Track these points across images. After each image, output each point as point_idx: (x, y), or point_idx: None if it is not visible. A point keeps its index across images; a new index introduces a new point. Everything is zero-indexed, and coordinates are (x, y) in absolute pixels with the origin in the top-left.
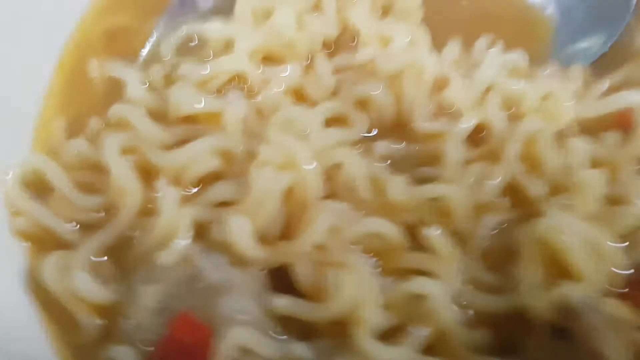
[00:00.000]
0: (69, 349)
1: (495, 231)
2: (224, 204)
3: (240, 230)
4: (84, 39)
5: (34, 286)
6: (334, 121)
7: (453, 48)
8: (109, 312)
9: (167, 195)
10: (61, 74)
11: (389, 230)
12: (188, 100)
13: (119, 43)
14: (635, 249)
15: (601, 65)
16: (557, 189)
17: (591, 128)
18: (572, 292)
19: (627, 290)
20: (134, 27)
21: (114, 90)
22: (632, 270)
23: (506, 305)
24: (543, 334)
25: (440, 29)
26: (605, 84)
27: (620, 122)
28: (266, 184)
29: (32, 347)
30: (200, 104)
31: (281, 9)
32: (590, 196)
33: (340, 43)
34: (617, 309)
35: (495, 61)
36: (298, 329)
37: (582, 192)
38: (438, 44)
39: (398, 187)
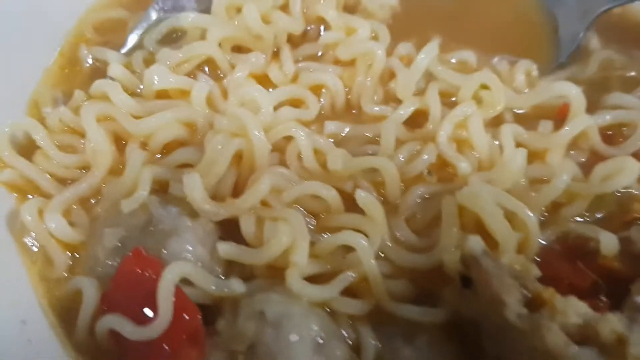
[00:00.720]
0: (42, 281)
1: (420, 200)
2: (185, 166)
3: (192, 186)
4: (81, 31)
5: (16, 230)
6: (294, 102)
7: (431, 46)
8: (77, 250)
9: (133, 155)
10: (59, 59)
11: (326, 192)
12: (160, 77)
13: (109, 34)
14: (554, 223)
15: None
16: (483, 167)
17: (532, 117)
18: (474, 244)
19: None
20: (123, 20)
21: (100, 72)
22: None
23: (425, 261)
24: (454, 284)
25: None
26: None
27: (559, 114)
28: (217, 147)
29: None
30: (170, 81)
31: (249, 6)
32: (510, 171)
33: (306, 37)
34: (516, 259)
35: (429, 54)
36: (239, 272)
37: (503, 168)
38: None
39: (337, 158)
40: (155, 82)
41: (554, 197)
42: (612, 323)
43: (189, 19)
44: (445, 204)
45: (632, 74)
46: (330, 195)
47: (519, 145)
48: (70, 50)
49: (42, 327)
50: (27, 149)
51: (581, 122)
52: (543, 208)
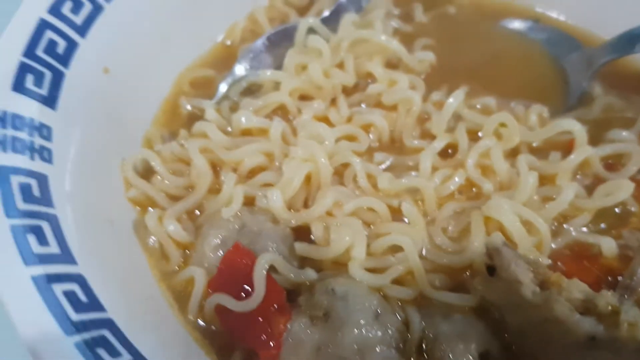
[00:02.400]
0: (160, 273)
1: (452, 213)
2: (266, 186)
3: (274, 200)
4: (179, 85)
5: (140, 233)
6: (349, 138)
7: (458, 92)
8: (188, 248)
9: (228, 177)
10: (165, 106)
11: (377, 205)
12: (247, 118)
13: (201, 89)
14: (563, 232)
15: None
16: (503, 188)
17: (544, 150)
18: (495, 237)
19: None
20: (211, 78)
21: (196, 117)
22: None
23: (458, 260)
24: (481, 274)
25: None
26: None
27: (568, 147)
28: (292, 170)
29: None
30: (254, 121)
31: (313, 65)
32: (525, 189)
33: (358, 88)
34: (530, 252)
35: (457, 98)
36: (311, 265)
37: (519, 187)
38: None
39: (384, 179)
40: (243, 121)
41: (561, 209)
42: (607, 297)
43: (267, 74)
44: (474, 215)
45: (630, 115)
46: (381, 208)
47: (532, 170)
48: (171, 101)
49: (162, 303)
50: (144, 174)
51: (583, 152)
52: (553, 219)
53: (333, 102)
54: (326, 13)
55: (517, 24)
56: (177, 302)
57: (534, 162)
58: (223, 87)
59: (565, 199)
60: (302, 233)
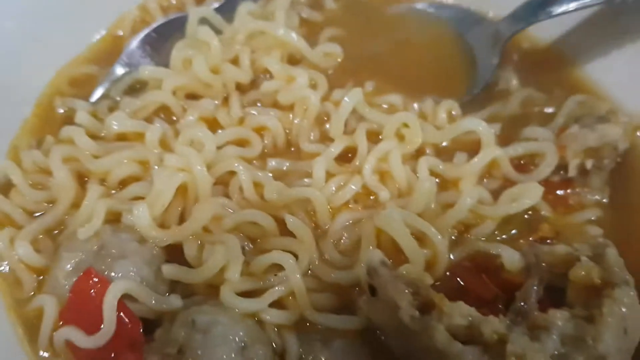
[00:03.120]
0: (13, 302)
1: (347, 224)
2: (138, 199)
3: (140, 215)
4: (57, 84)
5: None
6: (241, 142)
7: (355, 91)
8: (44, 273)
9: (91, 189)
10: (36, 109)
11: (262, 219)
12: (119, 122)
13: (81, 87)
14: (464, 242)
15: (473, 103)
16: (402, 195)
17: (452, 150)
18: (372, 256)
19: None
20: (93, 75)
21: (72, 120)
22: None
23: (346, 277)
24: (366, 293)
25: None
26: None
27: (476, 147)
28: (163, 181)
29: None
30: (127, 125)
31: (197, 59)
32: (420, 196)
33: (255, 85)
34: (411, 270)
35: (353, 98)
36: (182, 290)
37: (414, 195)
38: None
39: (272, 189)
40: (114, 126)
41: (459, 217)
42: (493, 324)
43: (147, 71)
44: (364, 227)
45: (551, 110)
46: (266, 222)
47: (435, 175)
48: (45, 102)
49: (10, 336)
50: (5, 187)
51: (489, 153)
52: (453, 229)
53: (225, 101)
54: (222, 1)
55: (425, 5)
56: (28, 334)
57: (437, 166)
58: (101, 88)
59: (463, 207)
60: (174, 252)
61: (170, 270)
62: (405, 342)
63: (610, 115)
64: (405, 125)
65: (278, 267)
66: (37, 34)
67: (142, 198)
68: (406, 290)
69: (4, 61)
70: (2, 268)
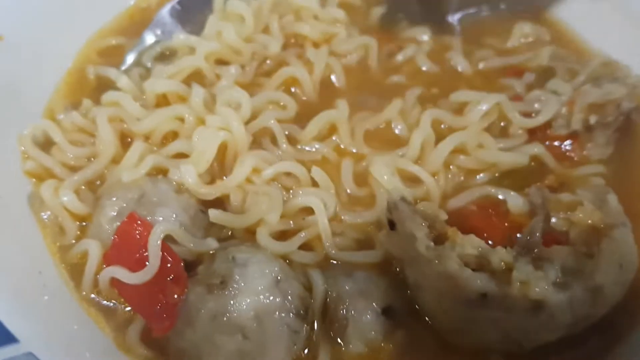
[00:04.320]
0: (55, 246)
1: None
2: (179, 156)
3: (187, 174)
4: (86, 54)
5: (35, 207)
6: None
7: None
8: (86, 220)
9: (135, 145)
10: (68, 77)
11: (296, 169)
12: (160, 84)
13: (110, 57)
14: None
15: None
16: None
17: None
18: (394, 192)
19: None
20: (121, 46)
21: (102, 87)
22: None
23: (367, 218)
24: (385, 229)
25: None
26: None
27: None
28: (206, 140)
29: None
30: (170, 85)
31: (228, 29)
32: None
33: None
34: (428, 206)
35: None
36: (217, 235)
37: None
38: None
39: (306, 137)
40: (156, 87)
41: (445, 153)
42: (501, 254)
43: (181, 36)
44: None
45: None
46: (300, 172)
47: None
48: (76, 71)
49: (55, 277)
50: (45, 145)
51: (494, 98)
52: (459, 171)
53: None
54: None
55: None
56: (73, 277)
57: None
58: (131, 56)
59: (450, 141)
60: (209, 202)
61: (217, 215)
62: (419, 270)
63: (624, 77)
64: None
65: (308, 211)
66: (65, 5)
67: (184, 155)
68: (422, 224)
69: (33, 32)
70: (45, 216)
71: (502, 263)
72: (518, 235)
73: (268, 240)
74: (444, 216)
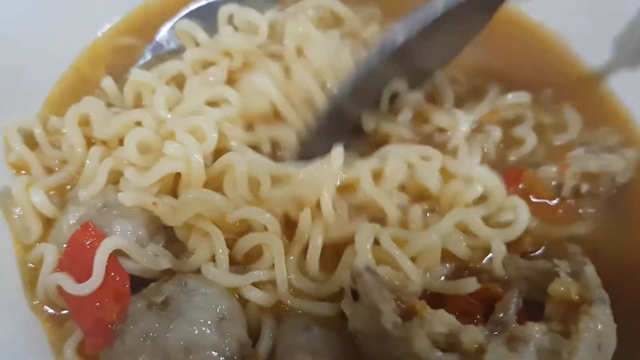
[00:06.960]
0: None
1: None
2: None
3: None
4: (96, 52)
5: (6, 200)
6: None
7: None
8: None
9: (93, 151)
10: (70, 74)
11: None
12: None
13: (121, 57)
14: None
15: None
16: None
17: None
18: (358, 261)
19: None
20: (134, 46)
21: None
22: None
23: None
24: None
25: None
26: None
27: None
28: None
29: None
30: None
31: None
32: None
33: None
34: (395, 276)
35: None
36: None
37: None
38: None
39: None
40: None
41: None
42: (473, 333)
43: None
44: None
45: None
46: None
47: None
48: (76, 70)
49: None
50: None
51: None
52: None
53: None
54: None
55: None
56: (29, 280)
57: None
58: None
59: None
60: None
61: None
62: (383, 348)
63: (619, 147)
64: None
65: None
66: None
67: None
68: (389, 297)
69: (38, 27)
70: (16, 215)
71: (475, 343)
72: (495, 306)
73: (215, 272)
74: (415, 288)
